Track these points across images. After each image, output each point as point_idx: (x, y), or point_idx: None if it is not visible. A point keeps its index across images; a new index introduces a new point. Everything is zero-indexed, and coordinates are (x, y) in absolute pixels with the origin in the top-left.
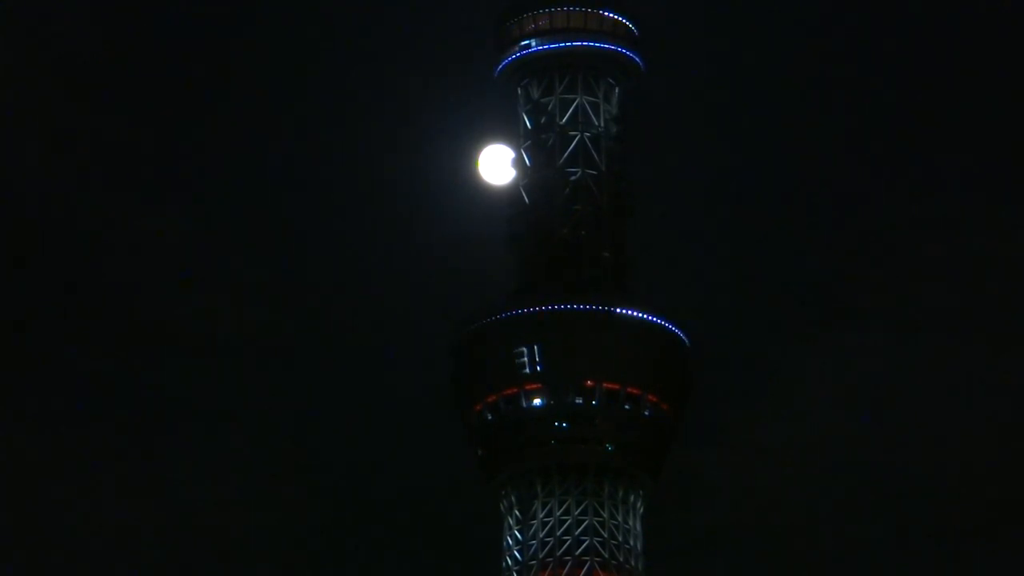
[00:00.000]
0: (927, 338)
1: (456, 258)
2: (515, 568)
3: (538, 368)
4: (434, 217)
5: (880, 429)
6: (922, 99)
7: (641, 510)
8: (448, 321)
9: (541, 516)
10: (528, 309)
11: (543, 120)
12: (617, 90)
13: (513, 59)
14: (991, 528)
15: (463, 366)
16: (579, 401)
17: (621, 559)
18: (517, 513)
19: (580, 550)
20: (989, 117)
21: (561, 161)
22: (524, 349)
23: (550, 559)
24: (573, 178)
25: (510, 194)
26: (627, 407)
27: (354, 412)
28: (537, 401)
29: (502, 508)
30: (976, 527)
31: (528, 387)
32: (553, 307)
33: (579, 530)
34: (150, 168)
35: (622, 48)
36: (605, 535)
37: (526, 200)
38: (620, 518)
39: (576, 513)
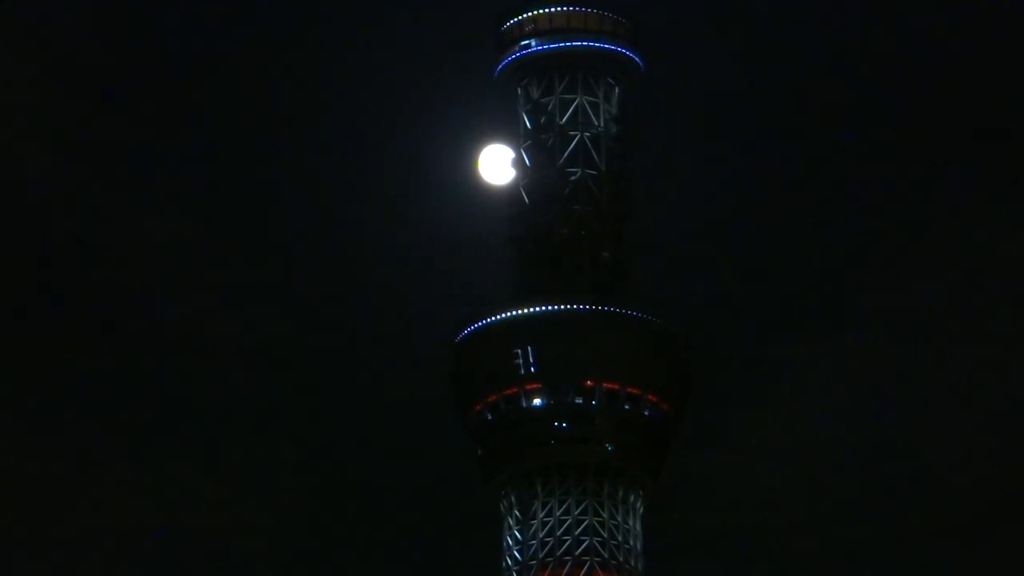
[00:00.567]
0: (928, 338)
1: (456, 258)
2: (515, 568)
3: (532, 369)
4: (434, 217)
5: (880, 429)
6: (924, 99)
7: (641, 510)
8: (448, 321)
9: (541, 516)
10: (528, 309)
11: (543, 120)
12: (617, 90)
13: (513, 59)
14: (992, 528)
15: (463, 366)
16: (579, 401)
17: (621, 559)
18: (517, 513)
19: (580, 550)
20: (991, 117)
21: (561, 161)
22: (518, 351)
23: (550, 559)
24: (573, 178)
25: (510, 194)
26: (627, 407)
27: (353, 412)
28: (537, 401)
29: (502, 508)
30: (977, 527)
31: (528, 387)
32: (553, 307)
33: (579, 530)
34: (148, 169)
35: (622, 48)
36: (605, 535)
37: (526, 200)
38: (620, 518)
39: (576, 513)
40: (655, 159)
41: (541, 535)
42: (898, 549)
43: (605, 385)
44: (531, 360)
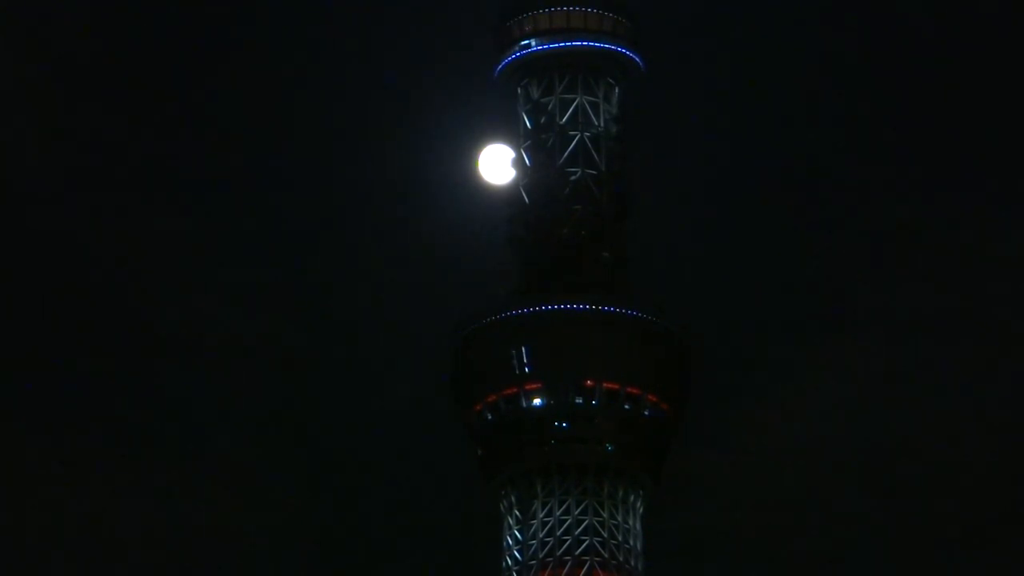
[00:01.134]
0: (928, 339)
1: (456, 258)
2: (515, 568)
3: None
4: (434, 217)
5: (881, 430)
6: (923, 100)
7: (641, 510)
8: (448, 321)
9: (541, 516)
10: (528, 309)
11: (543, 120)
12: (617, 90)
13: (513, 59)
14: (993, 530)
15: (463, 366)
16: (579, 401)
17: (621, 559)
18: (517, 513)
19: (580, 550)
20: (991, 118)
21: (561, 161)
22: (513, 351)
23: (550, 559)
24: (573, 178)
25: (510, 194)
26: (627, 407)
27: (353, 412)
28: (537, 401)
29: (502, 508)
30: (975, 529)
31: (528, 387)
32: (553, 307)
33: (579, 530)
34: (148, 169)
35: (622, 48)
36: (605, 535)
37: (526, 200)
38: (620, 518)
39: (576, 513)
40: (655, 159)
41: (541, 535)
42: (899, 550)
43: (605, 385)
44: (531, 360)
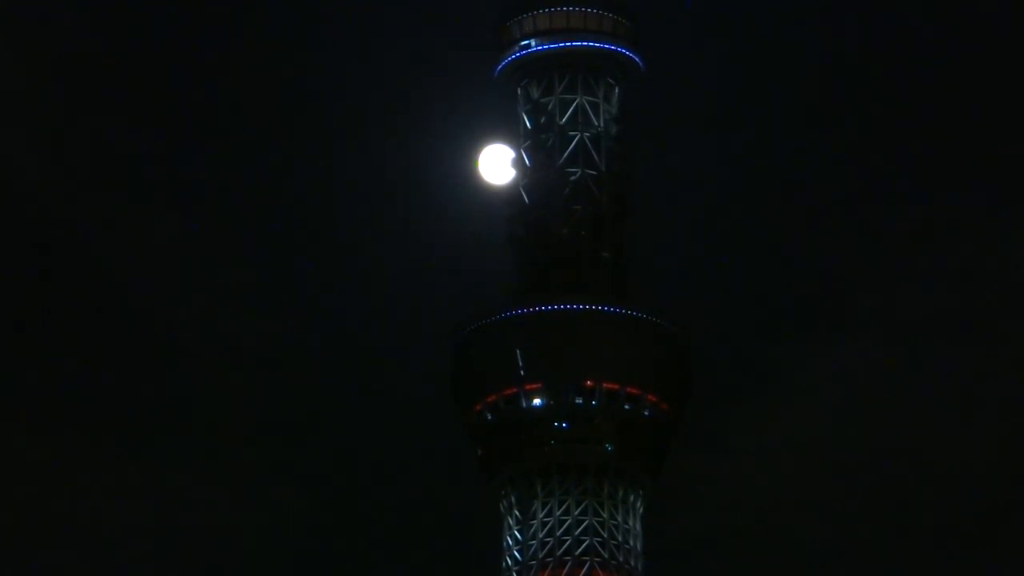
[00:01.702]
0: (928, 340)
1: (456, 258)
2: (515, 568)
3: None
4: (434, 217)
5: (880, 431)
6: (923, 102)
7: (641, 510)
8: (447, 321)
9: (541, 516)
10: (528, 309)
11: (543, 120)
12: (617, 90)
13: (513, 59)
14: (992, 531)
15: (463, 366)
16: (579, 401)
17: (621, 559)
18: (517, 513)
19: (580, 550)
20: (992, 120)
21: (561, 161)
22: (518, 350)
23: (550, 559)
24: (573, 178)
25: (510, 194)
26: (627, 407)
27: (353, 412)
28: (537, 401)
29: (502, 508)
30: (974, 530)
31: (528, 387)
32: (553, 307)
33: (579, 530)
34: (148, 171)
35: (622, 48)
36: (605, 535)
37: (526, 200)
38: (620, 518)
39: (576, 513)
40: (655, 159)
41: (541, 535)
42: (897, 551)
43: (605, 385)
44: (531, 360)
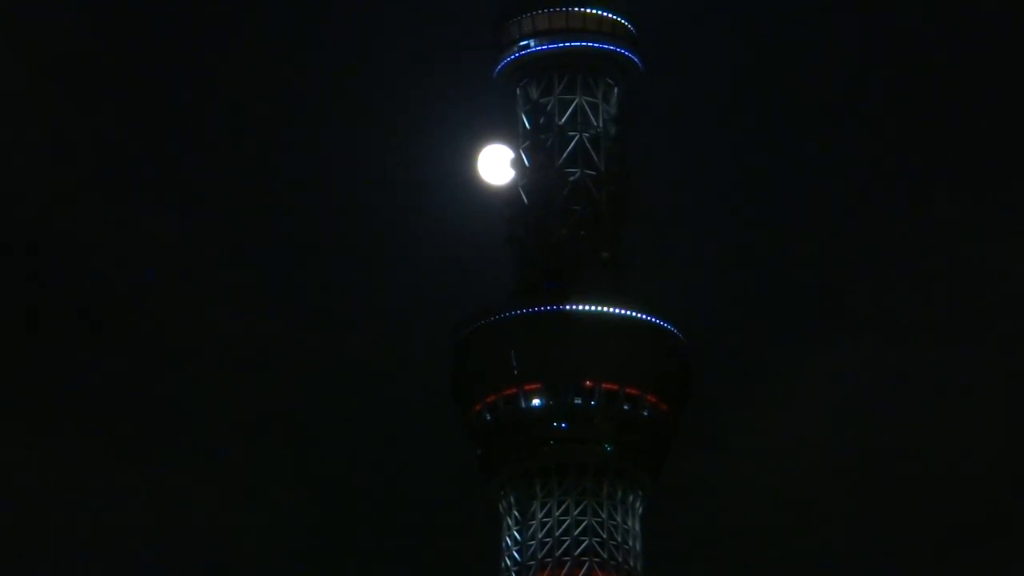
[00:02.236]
0: (925, 342)
1: (455, 258)
2: (514, 568)
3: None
4: (432, 217)
5: (878, 432)
6: (923, 103)
7: (640, 510)
8: (447, 321)
9: (540, 516)
10: (527, 309)
11: (542, 120)
12: (616, 90)
13: (512, 59)
14: (990, 532)
15: (462, 366)
16: (578, 401)
17: (620, 560)
18: (516, 513)
19: (579, 550)
20: (991, 121)
21: (560, 161)
22: (517, 351)
23: (549, 559)
24: (572, 179)
25: (509, 194)
26: (626, 407)
27: (352, 413)
28: (536, 401)
29: (501, 508)
30: (975, 531)
31: (527, 387)
32: (552, 307)
33: (578, 530)
34: (147, 170)
35: (621, 48)
36: (604, 536)
37: (525, 200)
38: (619, 519)
39: (575, 513)
40: (654, 160)
41: (540, 535)
42: (897, 551)
43: (604, 385)
44: (530, 360)
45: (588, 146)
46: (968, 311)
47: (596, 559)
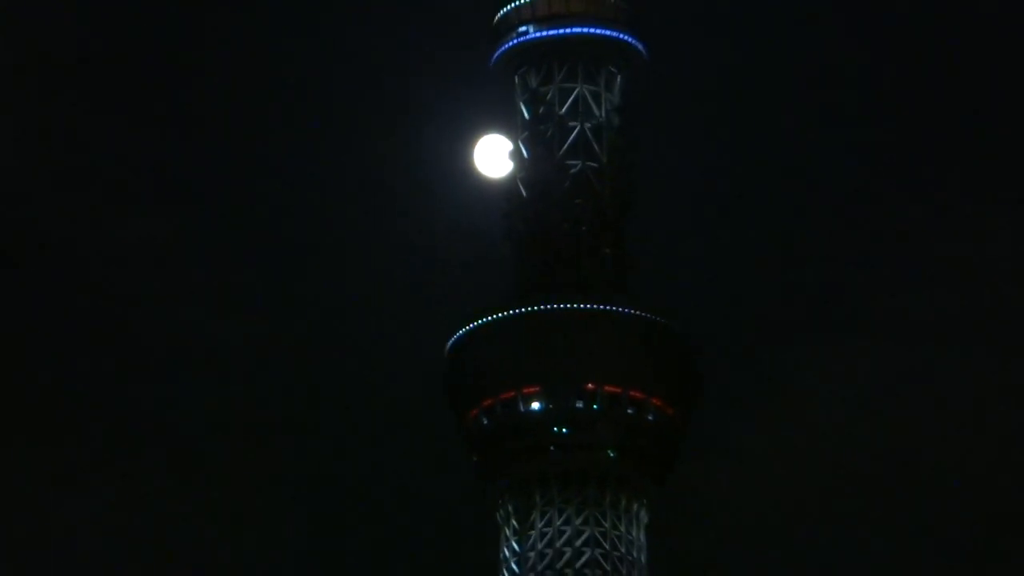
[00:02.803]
0: (940, 343)
1: (451, 255)
2: None
3: (530, 371)
4: (426, 211)
5: (895, 437)
6: (934, 98)
7: (645, 520)
8: (441, 321)
9: (540, 526)
10: (525, 309)
11: (542, 110)
12: (619, 79)
13: (510, 46)
14: (1006, 542)
15: (457, 369)
16: (580, 405)
17: (624, 572)
18: (515, 523)
19: (581, 562)
20: (992, 121)
21: (560, 153)
22: (515, 352)
23: (549, 572)
24: (573, 171)
25: (507, 188)
26: (630, 411)
27: (346, 420)
28: (535, 405)
29: (499, 518)
30: (987, 538)
31: (526, 390)
32: (552, 306)
33: (580, 541)
34: (132, 168)
35: (624, 35)
36: (607, 547)
37: (524, 194)
38: (623, 529)
39: (577, 523)
40: (659, 151)
41: (540, 546)
42: (914, 559)
43: (607, 388)
44: (529, 362)
45: (590, 137)
46: (985, 312)
47: (599, 571)
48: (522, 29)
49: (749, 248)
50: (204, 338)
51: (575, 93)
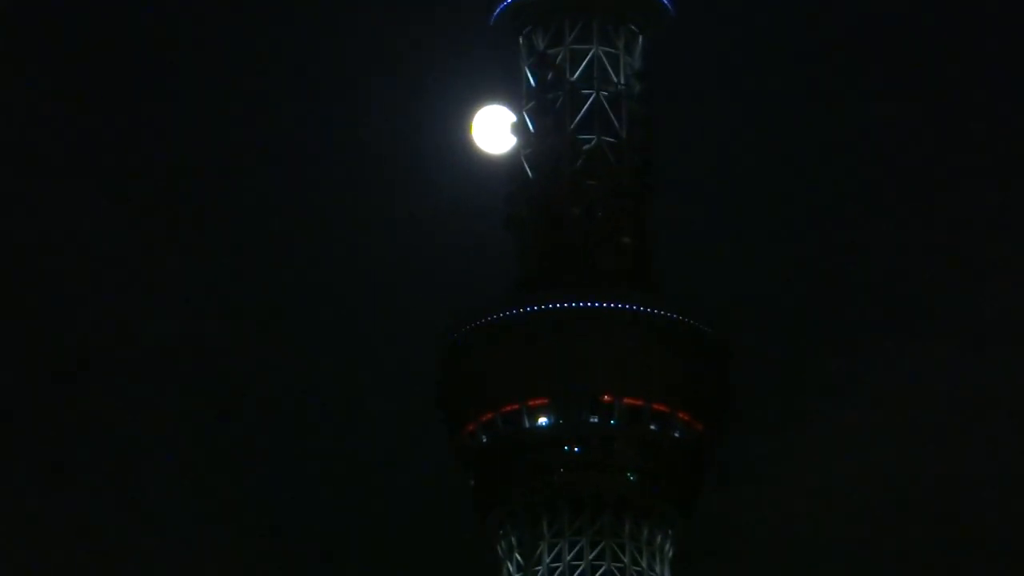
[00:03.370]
0: (1017, 349)
1: (443, 244)
2: None
3: (535, 380)
4: (418, 193)
5: (958, 458)
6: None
7: (670, 554)
8: (434, 322)
9: (548, 561)
10: (529, 308)
11: (550, 76)
12: (641, 39)
13: (513, 1)
14: None
15: (452, 378)
16: (594, 420)
17: None
18: (518, 558)
19: None
20: None
21: (572, 126)
22: (518, 358)
23: None
24: (586, 147)
25: (509, 166)
26: (653, 427)
27: (335, 433)
28: (542, 420)
29: (500, 551)
30: None
31: (532, 403)
32: (561, 305)
33: None
34: (75, 148)
35: None
36: None
37: (529, 173)
38: (644, 564)
39: (591, 558)
40: (686, 125)
41: None
42: None
43: (626, 400)
44: (535, 369)
45: (607, 107)
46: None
47: None
48: None
49: (788, 238)
50: (155, 337)
51: (589, 56)
